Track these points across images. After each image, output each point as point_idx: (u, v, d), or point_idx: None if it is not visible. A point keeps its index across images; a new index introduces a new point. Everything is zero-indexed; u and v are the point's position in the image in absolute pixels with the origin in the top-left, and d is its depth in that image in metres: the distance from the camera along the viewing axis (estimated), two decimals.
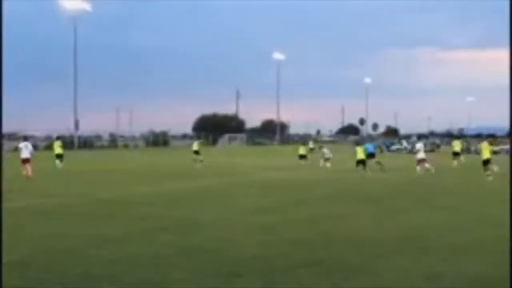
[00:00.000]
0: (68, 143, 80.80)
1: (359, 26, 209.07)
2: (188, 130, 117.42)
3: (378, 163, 30.23)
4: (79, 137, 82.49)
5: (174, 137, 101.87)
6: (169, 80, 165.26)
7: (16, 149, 32.49)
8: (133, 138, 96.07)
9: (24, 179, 23.57)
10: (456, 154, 36.26)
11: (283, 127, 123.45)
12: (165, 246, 9.61)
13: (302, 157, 38.57)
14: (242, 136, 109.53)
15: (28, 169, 24.55)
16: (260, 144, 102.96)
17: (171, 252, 9.07)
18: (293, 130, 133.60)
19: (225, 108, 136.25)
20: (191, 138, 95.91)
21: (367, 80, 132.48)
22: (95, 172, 29.94)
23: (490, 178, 23.95)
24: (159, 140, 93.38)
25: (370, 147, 31.44)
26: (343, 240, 10.17)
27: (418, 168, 28.79)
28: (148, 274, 7.69)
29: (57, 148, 33.86)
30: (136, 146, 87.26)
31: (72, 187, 21.03)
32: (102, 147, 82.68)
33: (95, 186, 21.09)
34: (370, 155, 29.74)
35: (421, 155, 29.40)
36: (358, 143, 34.20)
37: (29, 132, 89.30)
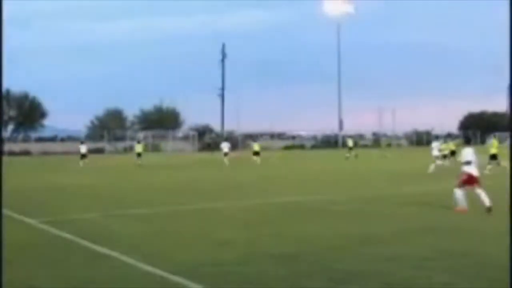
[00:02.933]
0: (332, 142, 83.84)
1: None
2: (453, 129, 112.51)
3: None
4: (343, 137, 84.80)
5: (438, 136, 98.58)
6: (433, 76, 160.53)
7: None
8: (396, 137, 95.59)
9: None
10: None
11: None
12: (428, 248, 9.38)
13: None
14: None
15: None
16: None
17: (435, 255, 8.82)
18: None
19: (495, 105, 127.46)
20: (455, 137, 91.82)
21: None
22: (356, 171, 30.46)
23: None
24: (422, 139, 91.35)
25: None
26: None
27: None
28: (413, 275, 7.59)
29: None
30: (399, 145, 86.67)
31: (336, 186, 21.68)
32: (365, 146, 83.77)
33: (359, 185, 21.45)
34: None
35: None
36: None
37: (295, 132, 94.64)
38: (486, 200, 13.18)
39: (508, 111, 78.61)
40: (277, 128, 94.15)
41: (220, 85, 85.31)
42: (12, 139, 74.59)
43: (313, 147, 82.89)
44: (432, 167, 28.13)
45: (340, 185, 21.86)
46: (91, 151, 63.43)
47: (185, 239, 10.62)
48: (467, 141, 15.91)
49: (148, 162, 41.08)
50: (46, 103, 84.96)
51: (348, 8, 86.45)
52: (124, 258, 8.80)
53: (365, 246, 9.57)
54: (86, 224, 12.57)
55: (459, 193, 13.62)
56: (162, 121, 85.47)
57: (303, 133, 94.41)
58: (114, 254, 9.12)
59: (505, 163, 26.03)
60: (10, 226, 12.53)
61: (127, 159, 48.58)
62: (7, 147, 69.04)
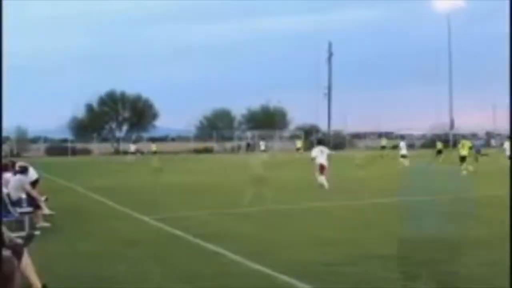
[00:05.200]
0: (443, 141, 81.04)
1: None
2: None
3: None
4: (454, 135, 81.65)
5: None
6: None
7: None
8: (507, 136, 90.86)
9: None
10: None
11: None
12: None
13: None
14: None
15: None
16: None
17: None
18: None
19: None
20: None
21: None
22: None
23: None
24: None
25: None
26: None
27: None
28: None
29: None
30: None
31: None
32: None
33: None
34: None
35: None
36: None
37: (404, 131, 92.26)
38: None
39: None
40: (385, 128, 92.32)
41: (326, 84, 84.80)
42: (126, 139, 78.00)
43: (423, 146, 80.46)
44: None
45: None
46: (199, 151, 65.01)
47: (292, 238, 10.63)
48: (319, 142, 21.81)
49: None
50: (157, 105, 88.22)
51: (458, 1, 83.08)
52: (232, 255, 8.95)
53: (474, 249, 9.17)
54: (194, 222, 12.90)
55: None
56: (269, 120, 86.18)
57: (412, 132, 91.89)
58: (222, 251, 9.30)
59: (470, 167, 26.20)
60: (126, 223, 13.17)
61: (236, 157, 49.49)
62: (121, 146, 72.58)
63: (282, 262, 8.37)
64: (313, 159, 20.02)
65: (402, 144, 35.33)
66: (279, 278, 7.53)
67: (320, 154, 19.88)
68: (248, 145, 68.90)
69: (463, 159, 27.04)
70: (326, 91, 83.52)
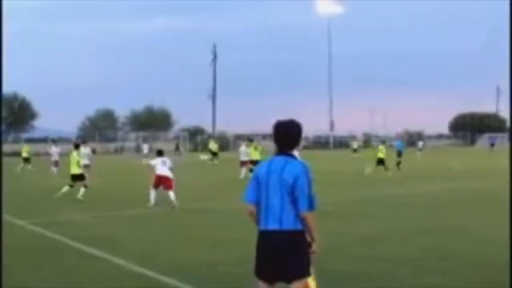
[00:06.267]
0: (323, 143, 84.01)
1: None
2: (444, 130, 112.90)
3: None
4: (334, 137, 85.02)
5: (430, 137, 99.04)
6: (425, 77, 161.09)
7: None
8: (387, 138, 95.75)
9: None
10: None
11: None
12: (421, 248, 9.40)
13: None
14: (504, 136, 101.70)
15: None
16: None
17: (428, 255, 8.82)
18: None
19: (484, 107, 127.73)
20: (448, 138, 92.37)
21: None
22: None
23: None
24: (413, 140, 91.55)
25: None
26: None
27: None
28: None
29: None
30: (391, 146, 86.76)
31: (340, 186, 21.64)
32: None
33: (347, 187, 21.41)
34: None
35: None
36: None
37: None
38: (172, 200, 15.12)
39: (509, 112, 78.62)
40: (268, 130, 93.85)
41: (210, 85, 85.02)
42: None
43: (304, 148, 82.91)
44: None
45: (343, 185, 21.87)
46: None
47: (177, 240, 10.56)
48: (159, 153, 16.52)
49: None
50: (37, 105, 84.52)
51: (338, 8, 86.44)
52: (115, 259, 8.74)
53: (357, 247, 9.58)
54: (76, 226, 12.49)
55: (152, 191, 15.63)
56: (152, 122, 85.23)
57: None
58: (105, 255, 9.06)
59: (390, 173, 26.42)
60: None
61: (119, 159, 48.39)
62: None
63: (165, 264, 8.29)
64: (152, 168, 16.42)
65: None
66: (162, 280, 7.45)
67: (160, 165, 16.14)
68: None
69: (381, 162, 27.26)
70: (211, 92, 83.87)
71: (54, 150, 32.54)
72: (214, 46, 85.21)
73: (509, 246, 8.62)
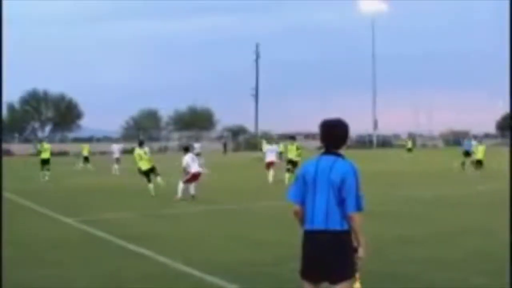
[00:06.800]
0: (367, 142, 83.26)
1: None
2: (491, 129, 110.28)
3: None
4: (377, 136, 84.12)
5: (475, 136, 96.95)
6: (470, 77, 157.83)
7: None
8: (431, 137, 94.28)
9: None
10: None
11: None
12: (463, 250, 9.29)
13: None
14: None
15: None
16: None
17: (471, 257, 8.72)
18: None
19: None
20: (495, 137, 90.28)
21: None
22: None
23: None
24: (459, 139, 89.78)
25: None
26: None
27: None
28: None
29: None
30: (434, 146, 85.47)
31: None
32: (399, 146, 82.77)
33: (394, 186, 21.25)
34: None
35: None
36: None
37: None
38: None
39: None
40: (311, 129, 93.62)
41: (253, 85, 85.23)
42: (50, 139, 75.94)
43: (348, 147, 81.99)
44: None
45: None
46: (126, 152, 63.68)
47: (220, 239, 10.69)
48: (186, 149, 17.38)
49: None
50: (82, 105, 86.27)
51: (382, 6, 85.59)
52: (159, 257, 8.91)
53: (397, 247, 9.53)
54: (121, 224, 12.76)
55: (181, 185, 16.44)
56: (195, 121, 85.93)
57: None
58: (149, 253, 9.24)
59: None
60: (48, 224, 12.83)
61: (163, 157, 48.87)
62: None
63: (210, 263, 8.41)
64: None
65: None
66: (206, 279, 7.56)
67: (191, 162, 16.93)
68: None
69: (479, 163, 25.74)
70: (253, 92, 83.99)
71: (116, 147, 33.53)
72: (257, 46, 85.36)
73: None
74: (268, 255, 9.06)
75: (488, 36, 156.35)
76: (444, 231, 11.24)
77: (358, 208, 4.40)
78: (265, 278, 7.61)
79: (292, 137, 24.95)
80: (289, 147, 23.60)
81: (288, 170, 22.17)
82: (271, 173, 22.79)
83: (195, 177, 16.82)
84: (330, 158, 4.52)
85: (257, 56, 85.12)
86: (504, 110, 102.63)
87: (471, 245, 9.75)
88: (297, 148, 23.35)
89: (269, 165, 23.23)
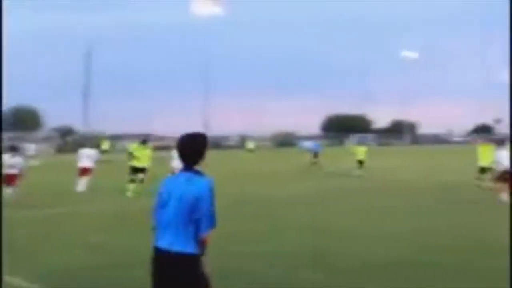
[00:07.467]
0: None
1: None
2: (315, 130, 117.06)
3: None
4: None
5: (304, 137, 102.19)
6: (300, 79, 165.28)
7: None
8: (262, 138, 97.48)
9: None
10: None
11: (412, 127, 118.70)
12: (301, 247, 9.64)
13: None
14: (370, 136, 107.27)
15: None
16: (388, 144, 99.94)
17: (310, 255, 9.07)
18: (425, 130, 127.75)
19: (353, 109, 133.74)
20: (321, 138, 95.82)
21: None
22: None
23: None
24: (287, 141, 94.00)
25: None
26: None
27: None
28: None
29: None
30: (265, 147, 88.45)
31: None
32: (229, 147, 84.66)
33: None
34: None
35: None
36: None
37: (163, 134, 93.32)
38: None
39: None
40: (141, 130, 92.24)
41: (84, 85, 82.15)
42: None
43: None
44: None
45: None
46: None
47: (54, 244, 10.11)
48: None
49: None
50: None
51: (216, 9, 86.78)
52: None
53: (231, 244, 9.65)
54: None
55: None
56: (19, 122, 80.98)
57: (171, 134, 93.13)
58: None
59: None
60: None
61: None
62: None
63: (36, 271, 7.94)
64: None
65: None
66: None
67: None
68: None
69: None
70: (84, 91, 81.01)
71: None
72: (89, 46, 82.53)
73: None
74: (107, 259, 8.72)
75: (309, 42, 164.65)
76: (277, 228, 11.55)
77: (211, 226, 4.29)
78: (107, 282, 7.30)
79: (144, 141, 19.88)
80: (140, 152, 19.09)
81: (132, 180, 18.53)
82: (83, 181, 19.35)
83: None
84: (186, 175, 4.38)
85: (89, 56, 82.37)
86: (325, 113, 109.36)
87: (303, 241, 10.12)
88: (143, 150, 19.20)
89: (84, 171, 19.46)
